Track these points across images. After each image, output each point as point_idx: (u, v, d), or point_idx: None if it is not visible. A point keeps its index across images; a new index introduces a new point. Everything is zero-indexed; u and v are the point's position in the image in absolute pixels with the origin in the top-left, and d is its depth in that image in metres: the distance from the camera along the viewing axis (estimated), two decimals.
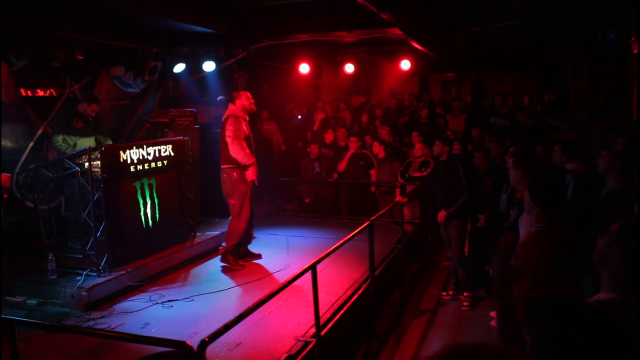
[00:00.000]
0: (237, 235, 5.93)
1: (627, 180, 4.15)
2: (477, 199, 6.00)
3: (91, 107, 6.02)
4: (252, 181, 5.96)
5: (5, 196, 4.47)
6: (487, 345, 1.20)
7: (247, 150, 5.82)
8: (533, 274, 2.98)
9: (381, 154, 8.18)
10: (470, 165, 6.38)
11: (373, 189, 8.37)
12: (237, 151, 5.75)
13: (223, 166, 5.92)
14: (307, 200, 8.82)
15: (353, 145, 8.24)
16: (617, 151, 4.42)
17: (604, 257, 1.97)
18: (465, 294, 6.07)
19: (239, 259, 6.01)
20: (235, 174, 5.86)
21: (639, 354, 1.62)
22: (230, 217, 6.02)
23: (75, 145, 5.89)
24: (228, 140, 5.76)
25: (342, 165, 8.34)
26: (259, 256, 6.28)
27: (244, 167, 5.86)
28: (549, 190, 3.19)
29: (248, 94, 6.03)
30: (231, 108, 5.93)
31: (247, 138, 5.91)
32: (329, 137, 9.02)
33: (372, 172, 8.29)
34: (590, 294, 2.06)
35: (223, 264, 5.94)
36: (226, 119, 5.90)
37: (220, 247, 6.03)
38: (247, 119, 6.01)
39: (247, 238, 6.17)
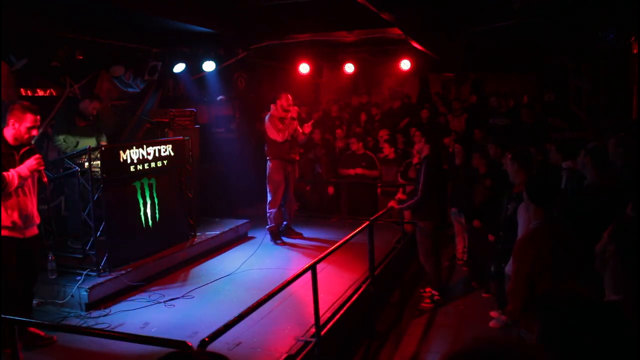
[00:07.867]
0: (272, 217, 6.87)
1: (601, 176, 4.21)
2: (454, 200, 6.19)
3: (93, 104, 5.97)
4: (293, 173, 6.98)
5: (45, 179, 4.36)
6: (516, 344, 1.15)
7: (281, 127, 6.65)
8: (529, 269, 3.01)
9: (391, 156, 8.20)
10: (437, 166, 6.05)
11: (379, 190, 8.38)
12: (282, 136, 6.61)
13: (267, 157, 6.87)
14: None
15: (388, 150, 8.30)
16: (589, 148, 4.47)
17: (602, 258, 1.99)
18: (433, 291, 6.05)
19: (279, 236, 6.96)
20: (271, 164, 6.82)
21: None
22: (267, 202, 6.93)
23: (77, 144, 5.87)
24: (276, 137, 6.63)
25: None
26: (299, 234, 7.17)
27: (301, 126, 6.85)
28: (544, 188, 3.23)
29: (288, 95, 6.74)
30: (272, 109, 6.78)
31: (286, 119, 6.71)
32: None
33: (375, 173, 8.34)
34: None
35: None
36: (265, 118, 6.87)
37: (267, 227, 7.00)
38: (286, 115, 6.68)
39: (283, 219, 7.09)
